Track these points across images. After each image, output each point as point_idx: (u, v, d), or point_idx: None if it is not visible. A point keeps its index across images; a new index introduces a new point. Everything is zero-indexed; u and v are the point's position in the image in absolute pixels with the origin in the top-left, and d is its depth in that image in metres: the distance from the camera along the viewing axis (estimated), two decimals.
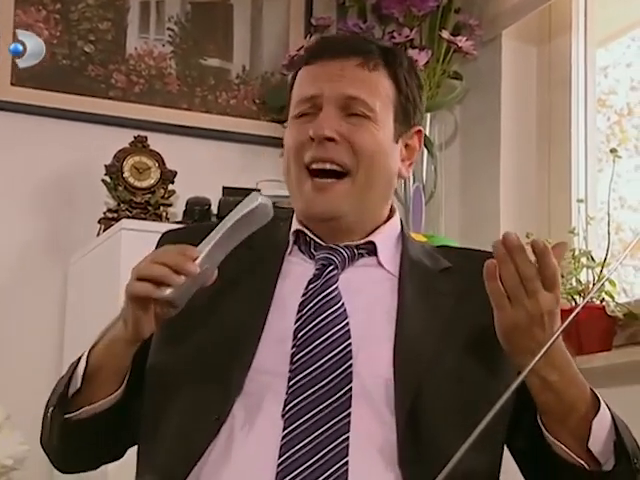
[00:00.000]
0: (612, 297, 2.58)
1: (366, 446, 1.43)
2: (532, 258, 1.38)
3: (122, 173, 2.97)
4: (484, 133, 3.22)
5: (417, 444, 1.44)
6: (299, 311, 1.52)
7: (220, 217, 2.77)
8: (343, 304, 1.52)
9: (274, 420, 1.44)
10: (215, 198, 2.90)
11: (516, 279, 1.38)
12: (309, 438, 1.42)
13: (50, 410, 1.55)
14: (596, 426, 1.43)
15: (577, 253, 2.64)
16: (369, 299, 1.56)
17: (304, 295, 1.54)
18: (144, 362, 1.56)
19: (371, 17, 3.31)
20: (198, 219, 2.89)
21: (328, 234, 1.61)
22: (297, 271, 1.59)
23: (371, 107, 1.59)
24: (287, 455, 1.41)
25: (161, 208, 2.98)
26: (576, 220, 2.87)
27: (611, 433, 1.44)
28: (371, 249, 1.61)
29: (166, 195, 3.01)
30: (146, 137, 3.04)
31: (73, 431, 1.53)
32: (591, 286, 2.61)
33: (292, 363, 1.47)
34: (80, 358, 1.53)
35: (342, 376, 1.46)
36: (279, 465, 1.40)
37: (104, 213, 2.99)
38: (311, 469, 1.40)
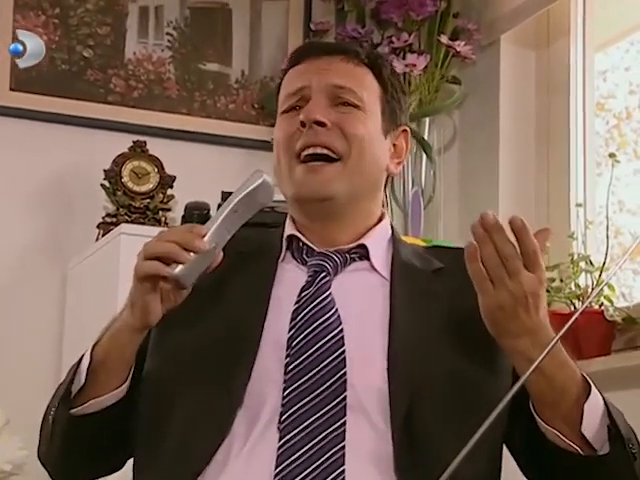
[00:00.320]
0: (611, 301, 2.58)
1: (362, 454, 1.43)
2: (512, 238, 1.37)
3: (121, 178, 2.98)
4: (483, 137, 3.22)
5: (413, 450, 1.43)
6: (292, 319, 1.50)
7: None
8: (337, 310, 1.51)
9: (270, 430, 1.43)
10: (214, 203, 2.90)
11: (496, 259, 1.37)
12: (305, 448, 1.41)
13: (52, 411, 1.52)
14: (588, 410, 1.42)
15: (576, 257, 2.64)
16: (362, 305, 1.55)
17: (297, 303, 1.52)
18: (142, 365, 1.54)
19: (370, 22, 3.32)
20: (197, 223, 2.89)
21: (320, 218, 1.59)
22: (290, 277, 1.57)
23: (359, 97, 1.60)
24: (283, 465, 1.40)
25: (160, 213, 2.98)
26: (575, 224, 2.87)
27: (604, 418, 1.43)
28: (363, 253, 1.59)
29: (165, 200, 3.01)
30: (145, 142, 3.04)
31: (78, 427, 1.49)
32: (590, 290, 2.61)
33: (286, 373, 1.46)
34: (81, 358, 1.51)
35: (336, 385, 1.45)
36: (276, 476, 1.39)
37: (103, 218, 2.99)
38: (308, 479, 1.39)
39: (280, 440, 1.42)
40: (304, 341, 1.48)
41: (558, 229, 2.98)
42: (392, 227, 1.67)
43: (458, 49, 3.13)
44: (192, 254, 1.41)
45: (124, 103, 3.14)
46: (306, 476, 1.40)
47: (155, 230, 2.72)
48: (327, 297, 1.52)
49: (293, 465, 1.40)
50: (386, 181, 1.67)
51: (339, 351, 1.47)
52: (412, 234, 3.08)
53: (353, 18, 3.33)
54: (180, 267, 1.40)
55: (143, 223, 2.92)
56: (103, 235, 2.92)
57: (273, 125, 1.68)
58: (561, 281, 2.65)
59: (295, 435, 1.42)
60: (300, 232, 1.61)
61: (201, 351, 1.50)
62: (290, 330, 1.49)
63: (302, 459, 1.41)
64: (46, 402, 1.59)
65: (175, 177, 3.02)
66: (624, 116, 3.08)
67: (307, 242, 1.60)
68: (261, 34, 3.32)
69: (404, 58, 3.16)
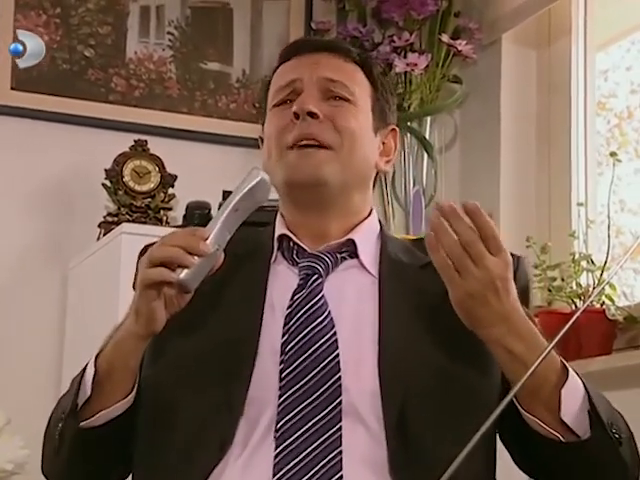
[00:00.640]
0: (612, 301, 2.58)
1: (358, 459, 1.41)
2: (467, 220, 1.36)
3: (122, 177, 2.98)
4: (484, 137, 3.22)
5: (407, 451, 1.41)
6: (285, 324, 1.49)
7: None
8: (329, 313, 1.50)
9: (268, 438, 1.42)
10: (215, 202, 2.90)
11: (458, 247, 1.36)
12: (302, 455, 1.40)
13: (59, 426, 1.48)
14: (565, 395, 1.40)
15: (577, 257, 2.64)
16: (354, 305, 1.53)
17: (290, 307, 1.50)
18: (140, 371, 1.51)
19: (371, 21, 3.32)
20: (198, 223, 2.89)
21: (311, 206, 1.57)
22: (282, 280, 1.55)
23: (351, 91, 1.60)
24: (281, 474, 1.39)
25: (161, 212, 2.99)
26: (576, 223, 2.87)
27: (584, 402, 1.41)
28: (352, 250, 1.58)
29: (166, 199, 3.01)
30: (146, 141, 3.04)
31: (87, 440, 1.47)
32: (591, 289, 2.61)
33: (281, 379, 1.45)
34: (84, 369, 1.48)
35: (331, 390, 1.44)
36: None
37: (104, 217, 2.99)
38: None
39: (277, 448, 1.41)
40: (297, 346, 1.47)
41: (559, 228, 2.98)
42: (380, 223, 1.65)
43: (459, 48, 3.14)
44: (196, 257, 1.40)
45: (125, 102, 3.14)
46: None
47: (156, 229, 2.73)
48: (319, 300, 1.51)
49: (291, 473, 1.39)
50: (375, 179, 1.65)
51: (333, 355, 1.46)
52: (413, 233, 3.08)
53: (354, 17, 3.33)
54: (185, 272, 1.39)
55: (144, 222, 2.92)
56: (104, 234, 2.92)
57: None
58: (562, 280, 2.65)
59: (292, 442, 1.41)
60: (290, 230, 1.60)
61: (201, 358, 1.48)
62: (283, 335, 1.48)
63: (299, 466, 1.39)
64: (47, 402, 1.59)
65: (176, 176, 3.02)
66: (625, 115, 3.08)
67: (298, 242, 1.58)
68: (262, 33, 3.32)
69: (405, 57, 3.16)
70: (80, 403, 1.46)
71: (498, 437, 1.55)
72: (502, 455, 1.57)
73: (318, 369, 1.45)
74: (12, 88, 3.03)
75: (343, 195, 1.58)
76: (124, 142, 3.02)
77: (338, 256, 1.57)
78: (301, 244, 1.58)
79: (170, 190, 3.02)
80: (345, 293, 1.54)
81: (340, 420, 1.43)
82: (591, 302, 2.54)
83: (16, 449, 2.23)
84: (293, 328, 1.48)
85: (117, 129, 3.11)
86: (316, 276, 1.54)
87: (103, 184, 3.00)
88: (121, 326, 1.49)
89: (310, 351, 1.46)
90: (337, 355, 1.46)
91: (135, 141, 3.03)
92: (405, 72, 3.16)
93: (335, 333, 1.48)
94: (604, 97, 3.12)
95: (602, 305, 2.59)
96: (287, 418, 1.42)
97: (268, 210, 1.57)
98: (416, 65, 3.13)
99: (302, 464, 1.40)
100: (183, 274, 1.39)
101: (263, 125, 1.66)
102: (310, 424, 1.42)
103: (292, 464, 1.40)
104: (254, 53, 3.30)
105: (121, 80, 3.15)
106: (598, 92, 3.09)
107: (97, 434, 1.47)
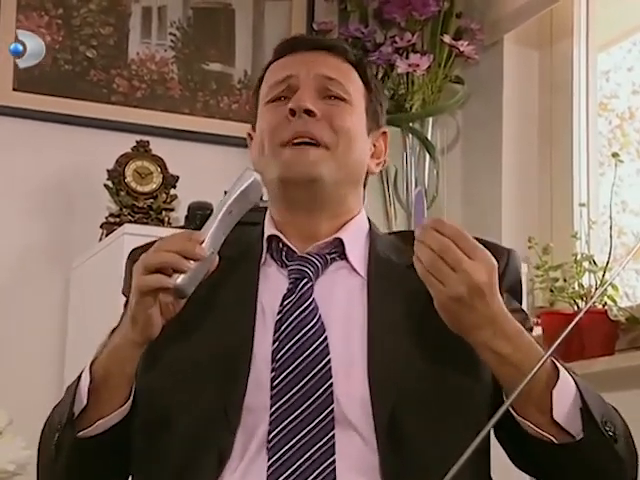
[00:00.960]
0: (614, 301, 2.58)
1: (352, 466, 1.40)
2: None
3: (124, 178, 2.98)
4: (486, 137, 3.22)
5: (398, 456, 1.40)
6: (276, 331, 1.47)
7: None
8: (320, 317, 1.48)
9: (263, 449, 1.41)
10: (217, 203, 2.89)
11: (433, 257, 1.36)
12: (295, 465, 1.39)
13: (56, 437, 1.46)
14: (557, 395, 1.38)
15: (579, 257, 2.64)
16: (344, 308, 1.51)
17: (280, 313, 1.48)
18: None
19: (373, 22, 3.32)
20: (200, 224, 2.89)
21: (303, 204, 1.56)
22: (273, 283, 1.54)
23: (347, 90, 1.59)
24: None
25: (163, 213, 2.99)
26: (578, 224, 2.87)
27: (577, 401, 1.39)
28: (341, 251, 1.56)
29: (168, 200, 3.01)
30: (148, 142, 3.04)
31: (84, 450, 1.46)
32: (593, 290, 2.61)
33: (272, 388, 1.43)
34: (79, 377, 1.47)
35: (322, 398, 1.42)
36: None
37: (106, 218, 2.99)
38: None
39: (269, 460, 1.39)
40: (288, 354, 1.45)
41: (561, 229, 2.99)
42: (370, 221, 1.63)
43: (461, 49, 3.14)
44: (192, 262, 1.38)
45: (127, 103, 3.14)
46: None
47: (158, 230, 2.73)
48: (310, 305, 1.49)
49: None
50: (365, 180, 1.64)
51: (324, 361, 1.44)
52: None
53: (356, 18, 3.33)
54: (182, 277, 1.38)
55: (146, 223, 2.92)
56: (106, 235, 2.92)
57: None
58: (565, 281, 2.65)
59: (284, 453, 1.39)
60: (279, 230, 1.58)
61: (197, 364, 1.47)
62: (274, 343, 1.46)
63: (293, 477, 1.38)
64: (49, 403, 1.57)
65: (178, 177, 3.02)
66: (627, 116, 3.08)
67: (287, 242, 1.56)
68: (264, 34, 3.32)
69: (407, 58, 3.16)
70: (77, 412, 1.45)
71: (493, 435, 1.53)
72: (499, 454, 1.56)
73: (309, 377, 1.43)
74: (14, 89, 3.03)
75: (335, 194, 1.57)
76: (126, 143, 3.02)
77: (327, 257, 1.55)
78: (290, 245, 1.56)
79: (172, 191, 3.02)
80: (335, 295, 1.52)
81: (333, 428, 1.41)
82: (593, 303, 2.54)
83: (18, 450, 2.22)
84: (283, 336, 1.46)
85: (119, 130, 3.11)
86: (305, 280, 1.52)
87: (105, 185, 3.00)
88: (115, 333, 1.48)
89: (301, 359, 1.45)
90: (329, 361, 1.44)
91: (137, 142, 3.03)
92: (407, 73, 3.16)
93: (326, 338, 1.46)
94: (606, 98, 3.12)
95: (604, 306, 2.59)
96: (278, 429, 1.41)
97: (258, 210, 1.56)
98: (418, 66, 3.13)
99: (295, 475, 1.38)
100: (180, 279, 1.38)
101: (253, 122, 1.65)
102: (302, 433, 1.41)
103: (285, 475, 1.38)
104: (256, 54, 3.30)
105: (123, 81, 3.15)
106: (600, 93, 3.09)
107: (95, 443, 1.45)
